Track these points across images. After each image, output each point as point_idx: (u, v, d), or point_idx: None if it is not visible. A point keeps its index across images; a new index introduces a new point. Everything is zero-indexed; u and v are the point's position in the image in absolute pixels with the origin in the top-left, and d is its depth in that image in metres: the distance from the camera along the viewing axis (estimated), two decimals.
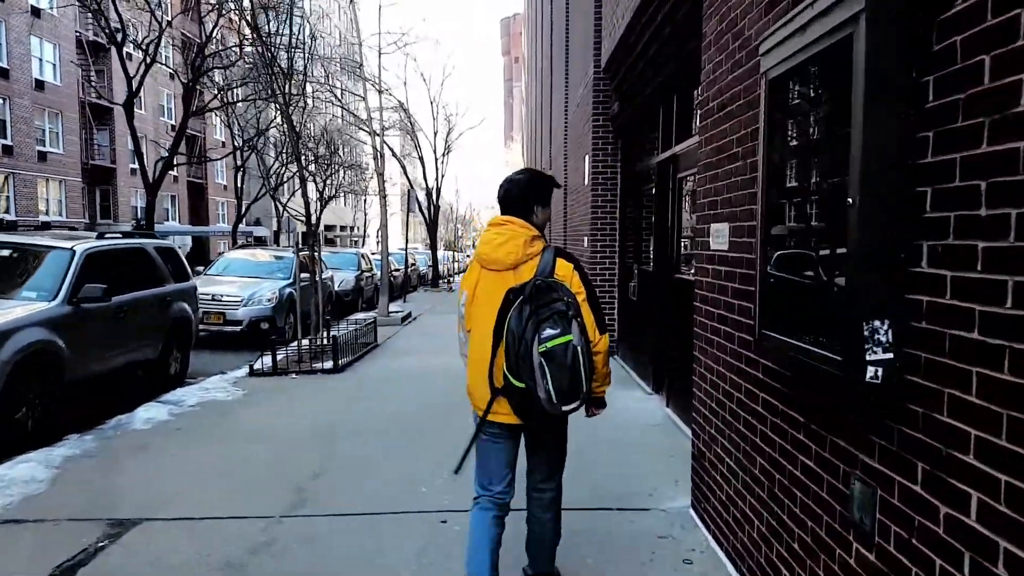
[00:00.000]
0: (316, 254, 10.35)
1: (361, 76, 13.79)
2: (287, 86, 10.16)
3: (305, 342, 9.78)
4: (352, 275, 17.32)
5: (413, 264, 28.32)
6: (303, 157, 26.08)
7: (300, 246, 11.00)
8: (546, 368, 2.47)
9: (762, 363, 3.07)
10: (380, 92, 14.53)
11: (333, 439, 5.68)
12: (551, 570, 3.07)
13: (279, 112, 23.00)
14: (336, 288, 15.93)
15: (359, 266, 18.20)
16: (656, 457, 5.19)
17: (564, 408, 2.53)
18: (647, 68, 7.15)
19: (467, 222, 65.41)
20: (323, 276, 14.61)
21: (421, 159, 26.48)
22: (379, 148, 14.98)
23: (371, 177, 49.38)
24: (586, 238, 9.45)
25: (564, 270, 2.75)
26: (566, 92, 12.02)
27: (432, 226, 27.67)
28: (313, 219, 10.56)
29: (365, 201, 54.47)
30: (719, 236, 3.93)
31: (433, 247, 28.10)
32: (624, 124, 8.55)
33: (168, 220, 37.57)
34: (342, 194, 50.55)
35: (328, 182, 34.97)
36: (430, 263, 28.58)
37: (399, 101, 22.82)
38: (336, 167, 36.07)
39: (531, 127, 26.83)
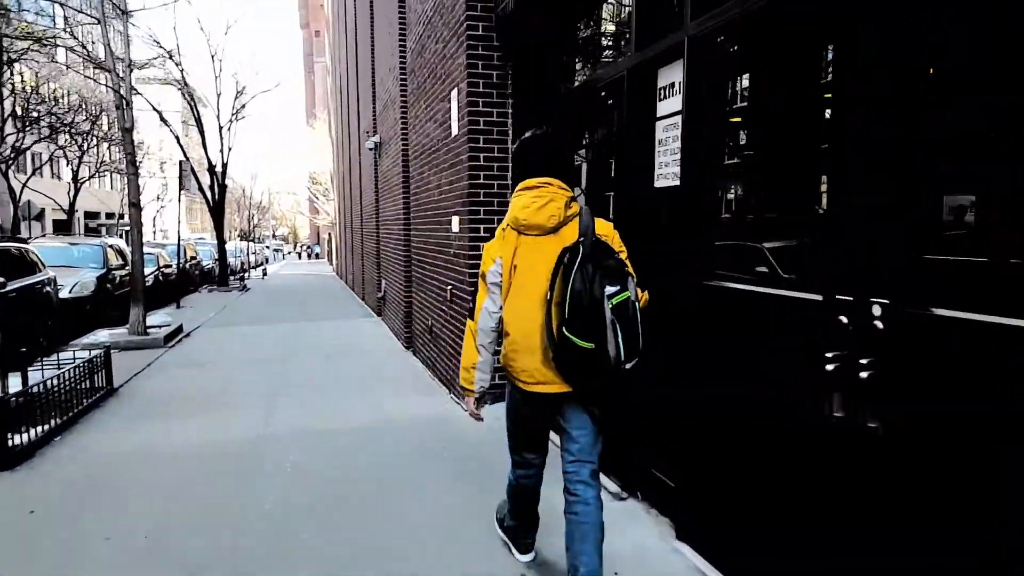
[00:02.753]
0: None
1: None
2: None
3: None
4: (93, 275, 12.44)
5: (194, 258, 23.06)
6: (55, 127, 20.15)
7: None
8: (617, 325, 2.42)
9: None
10: (125, 12, 10.04)
11: None
12: (598, 564, 2.58)
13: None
14: (67, 294, 11.17)
15: (105, 262, 13.25)
16: None
17: (627, 366, 2.46)
18: None
19: (264, 208, 58.73)
20: (41, 277, 9.98)
21: (199, 126, 21.34)
22: (125, 95, 10.47)
23: (145, 153, 42.18)
24: (455, 219, 6.06)
25: (605, 228, 2.68)
26: (401, 8, 8.48)
27: (217, 210, 22.58)
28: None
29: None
30: None
31: (220, 236, 22.99)
32: (529, 27, 5.26)
33: None
34: (107, 174, 42.92)
35: (83, 159, 28.44)
36: (217, 256, 23.49)
37: (164, 49, 17.87)
38: (94, 139, 29.55)
39: (342, 93, 22.62)
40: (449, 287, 6.28)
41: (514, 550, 3.23)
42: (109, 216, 50.81)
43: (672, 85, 3.20)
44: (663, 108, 3.34)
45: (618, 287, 2.45)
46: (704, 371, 3.06)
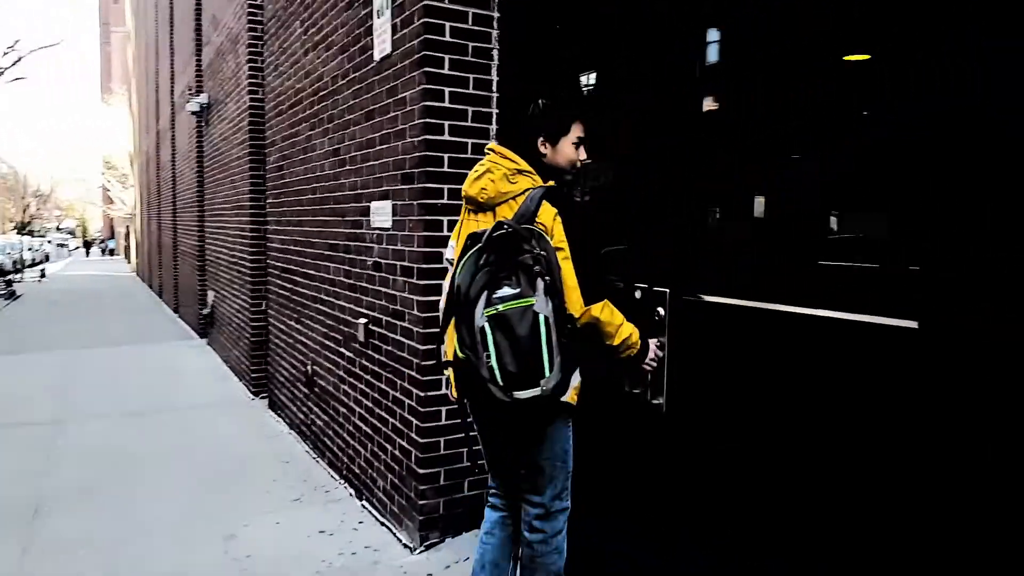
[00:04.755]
0: None
1: None
2: None
3: None
4: None
5: None
6: None
7: None
8: (488, 336, 1.86)
9: None
10: None
11: None
12: None
13: None
14: None
15: None
16: None
17: (517, 395, 1.85)
18: None
19: (45, 197, 50.26)
20: None
21: None
22: None
23: None
24: (381, 205, 3.48)
25: (546, 216, 2.04)
26: None
27: None
28: None
29: None
30: None
31: None
32: None
33: None
34: None
35: None
36: None
37: None
38: None
39: (148, 58, 18.47)
40: (363, 321, 3.69)
41: None
42: None
43: None
44: None
45: (518, 290, 1.87)
46: None
